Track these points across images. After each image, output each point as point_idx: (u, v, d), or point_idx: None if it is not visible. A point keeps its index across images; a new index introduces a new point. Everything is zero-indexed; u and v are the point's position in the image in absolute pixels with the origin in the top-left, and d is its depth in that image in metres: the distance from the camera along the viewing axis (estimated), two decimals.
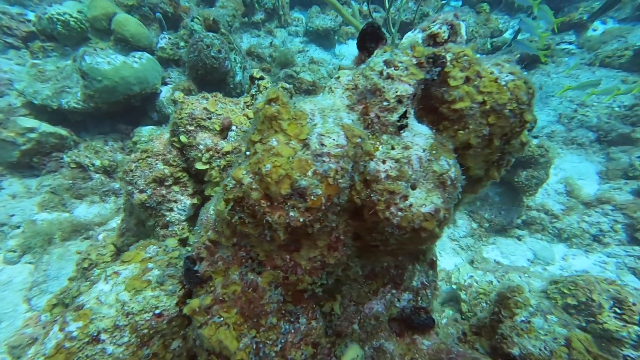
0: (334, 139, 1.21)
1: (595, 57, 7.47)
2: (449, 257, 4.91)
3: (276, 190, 1.16)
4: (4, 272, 3.59)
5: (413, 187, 1.33)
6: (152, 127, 4.99)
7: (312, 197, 1.17)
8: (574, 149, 5.91)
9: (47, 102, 4.79)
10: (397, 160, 1.32)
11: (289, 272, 1.41)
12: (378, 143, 1.35)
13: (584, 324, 2.89)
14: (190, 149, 2.48)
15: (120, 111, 5.12)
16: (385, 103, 1.32)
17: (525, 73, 1.40)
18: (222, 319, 1.30)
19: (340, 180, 1.22)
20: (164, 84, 5.47)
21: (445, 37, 1.47)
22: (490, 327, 1.89)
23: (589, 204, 5.03)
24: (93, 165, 4.53)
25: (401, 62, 1.31)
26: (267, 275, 1.40)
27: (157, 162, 2.50)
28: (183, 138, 2.46)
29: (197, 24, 6.07)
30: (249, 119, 2.64)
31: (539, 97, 6.96)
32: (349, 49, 9.38)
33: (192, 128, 2.48)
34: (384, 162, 1.32)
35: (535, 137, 6.38)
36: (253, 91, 2.78)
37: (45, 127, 4.53)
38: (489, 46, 8.42)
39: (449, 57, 1.37)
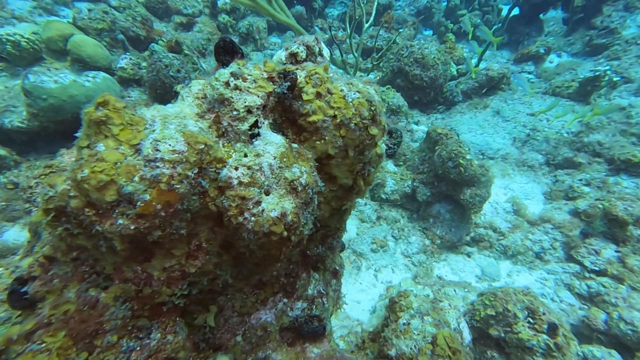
0: (170, 145, 1.19)
1: (550, 86, 7.89)
2: (401, 273, 4.87)
3: (99, 197, 1.11)
4: None
5: (267, 193, 1.31)
6: None
7: (140, 203, 1.13)
8: (525, 170, 6.10)
9: None
10: (249, 167, 1.30)
11: (141, 285, 1.33)
12: (232, 151, 1.34)
13: (502, 335, 2.89)
14: None
15: (71, 130, 5.02)
16: (235, 112, 1.33)
17: (373, 92, 1.45)
18: (43, 344, 1.19)
19: (178, 186, 1.18)
20: None
21: (304, 57, 1.52)
22: (381, 332, 1.87)
23: (533, 223, 5.15)
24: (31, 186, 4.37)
25: (250, 75, 1.34)
26: (114, 290, 1.31)
27: None
28: None
29: (159, 45, 6.16)
30: None
31: (495, 122, 7.23)
32: None
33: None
34: (236, 168, 1.30)
35: (491, 158, 6.56)
36: None
37: None
38: (455, 72, 8.78)
39: (303, 74, 1.41)
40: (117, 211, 1.13)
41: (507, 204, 5.46)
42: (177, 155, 1.19)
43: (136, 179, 1.13)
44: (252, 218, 1.27)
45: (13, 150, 4.76)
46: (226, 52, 1.43)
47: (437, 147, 5.23)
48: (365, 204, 5.80)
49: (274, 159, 1.32)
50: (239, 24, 8.98)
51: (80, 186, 1.10)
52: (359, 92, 1.44)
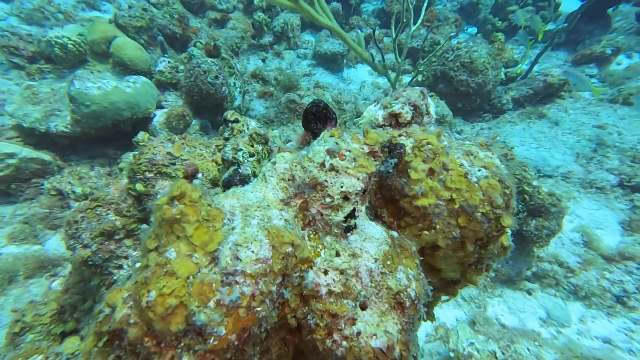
0: (253, 251, 0.90)
1: (619, 93, 7.06)
2: (449, 309, 4.46)
3: (164, 328, 0.84)
4: None
5: (363, 307, 1.01)
6: None
7: (214, 339, 0.85)
8: (593, 193, 5.44)
9: (35, 125, 4.65)
10: (342, 272, 1.00)
11: None
12: (320, 246, 1.03)
13: None
14: (147, 198, 2.21)
15: (110, 135, 4.96)
16: (328, 199, 1.02)
17: (502, 165, 1.09)
18: None
19: (259, 309, 0.90)
20: (160, 107, 5.31)
21: (408, 119, 1.18)
22: None
23: (610, 259, 4.51)
24: (73, 192, 4.32)
25: (349, 151, 1.02)
26: None
27: (107, 212, 2.23)
28: (139, 186, 2.20)
29: (197, 48, 5.97)
30: (217, 165, 2.36)
31: (553, 134, 6.55)
32: (357, 73, 9.22)
33: (151, 175, 2.22)
34: (325, 272, 1.01)
35: (549, 176, 5.94)
36: (226, 134, 2.51)
37: (27, 152, 4.37)
38: (503, 76, 8.10)
39: (409, 143, 1.08)
40: (182, 344, 0.86)
41: (574, 233, 4.83)
42: (260, 265, 0.90)
43: (211, 304, 0.85)
44: (344, 343, 0.98)
45: (57, 155, 4.74)
46: (317, 119, 1.12)
47: None
48: None
49: (375, 261, 1.01)
50: (274, 22, 8.65)
51: (144, 313, 0.84)
52: (485, 167, 1.09)
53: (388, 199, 1.15)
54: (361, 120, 1.23)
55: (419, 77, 7.93)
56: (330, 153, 1.02)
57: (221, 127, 2.62)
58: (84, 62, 5.42)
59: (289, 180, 1.06)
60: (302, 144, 1.27)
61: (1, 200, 4.32)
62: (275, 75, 7.69)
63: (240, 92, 6.07)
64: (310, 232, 1.05)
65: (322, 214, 1.04)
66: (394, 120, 1.22)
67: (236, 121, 2.48)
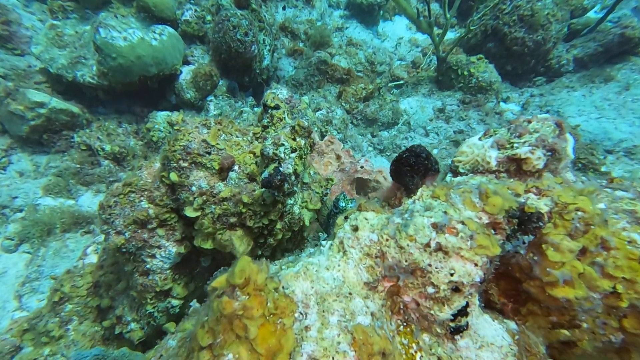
0: None
1: None
2: None
3: None
4: (0, 260, 3.46)
5: None
6: (167, 112, 4.58)
7: None
8: None
9: (63, 73, 4.45)
10: None
11: None
12: (414, 346, 0.83)
13: None
14: (181, 189, 2.04)
15: (136, 91, 4.73)
16: (431, 289, 0.79)
17: None
18: None
19: None
20: (186, 62, 4.97)
21: (540, 167, 0.88)
22: None
23: None
24: (103, 150, 4.24)
25: (462, 224, 0.76)
26: None
27: (141, 199, 2.09)
28: (173, 176, 2.02)
29: None
30: (255, 157, 2.14)
31: (620, 102, 5.66)
32: (394, 28, 8.36)
33: (185, 164, 2.02)
34: None
35: (610, 152, 5.24)
36: (265, 121, 2.25)
37: (56, 102, 4.22)
38: (566, 30, 6.95)
39: (544, 205, 0.79)
40: None
41: None
42: None
43: None
44: None
45: (84, 108, 4.59)
46: (415, 171, 0.85)
47: None
48: None
49: None
50: None
51: None
52: None
53: (501, 272, 0.91)
54: (462, 158, 0.95)
55: (460, 31, 7.04)
56: (438, 228, 0.77)
57: (259, 113, 2.33)
58: (107, 3, 5.02)
59: (376, 257, 0.83)
60: (390, 199, 1.01)
61: (36, 149, 4.29)
62: (305, 29, 7.03)
63: (269, 51, 5.58)
64: (400, 322, 0.85)
65: (418, 304, 0.82)
66: (515, 165, 0.92)
67: (277, 107, 2.19)
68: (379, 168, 2.80)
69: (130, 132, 4.53)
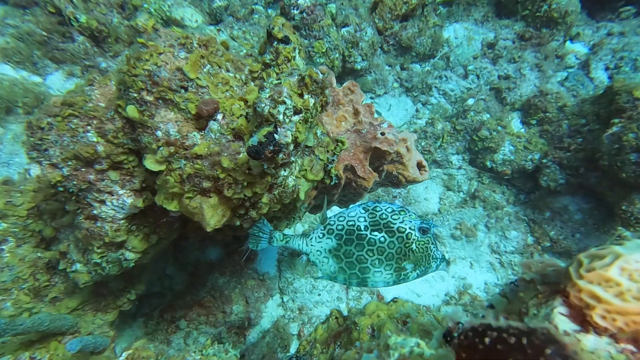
0: None
1: None
2: (481, 271, 4.12)
3: None
4: None
5: None
6: None
7: None
8: None
9: None
10: None
11: None
12: None
13: None
14: (143, 130, 1.49)
15: None
16: None
17: None
18: None
19: None
20: None
21: None
22: None
23: None
24: (77, 20, 3.41)
25: None
26: None
27: (87, 128, 1.55)
28: (132, 110, 1.44)
29: None
30: (247, 106, 1.53)
31: None
32: None
33: (150, 98, 1.43)
34: None
35: None
36: (268, 57, 1.56)
37: None
38: None
39: None
40: None
41: None
42: None
43: None
44: None
45: None
46: None
47: (617, 121, 3.43)
48: (460, 167, 4.63)
49: None
50: None
51: None
52: None
53: None
54: None
55: None
56: None
57: (261, 43, 1.62)
58: None
59: None
60: None
61: None
62: None
63: None
64: None
65: None
66: None
67: (285, 41, 1.49)
68: (403, 136, 2.21)
69: (115, 3, 3.63)
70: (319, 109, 1.56)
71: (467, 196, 4.44)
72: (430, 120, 4.68)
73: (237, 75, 1.60)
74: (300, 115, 1.46)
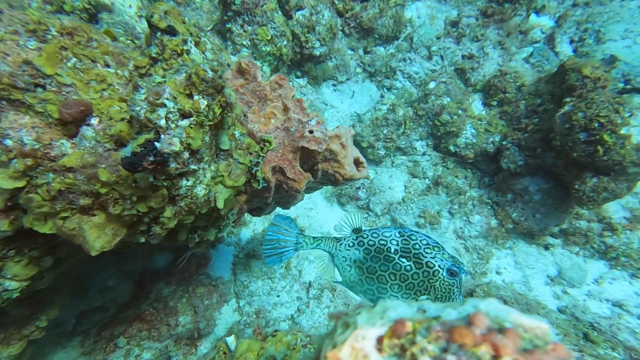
0: None
1: None
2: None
3: None
4: None
5: None
6: None
7: None
8: None
9: None
10: None
11: None
12: None
13: None
14: None
15: None
16: None
17: None
18: None
19: None
20: None
21: None
22: None
23: None
24: None
25: None
26: None
27: None
28: None
29: None
30: (126, 108, 1.27)
31: None
32: None
33: None
34: None
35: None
36: (154, 51, 1.29)
37: None
38: None
39: None
40: None
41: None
42: None
43: None
44: None
45: None
46: None
47: (568, 99, 3.37)
48: (424, 154, 4.48)
49: None
50: None
51: None
52: None
53: None
54: None
55: None
56: None
57: (144, 36, 1.34)
58: None
59: None
60: None
61: None
62: None
63: None
64: None
65: None
66: None
67: (170, 32, 1.23)
68: (336, 132, 1.98)
69: None
70: (218, 110, 1.31)
71: (432, 183, 4.31)
72: (391, 107, 4.47)
73: (119, 72, 1.32)
74: (191, 119, 1.21)
